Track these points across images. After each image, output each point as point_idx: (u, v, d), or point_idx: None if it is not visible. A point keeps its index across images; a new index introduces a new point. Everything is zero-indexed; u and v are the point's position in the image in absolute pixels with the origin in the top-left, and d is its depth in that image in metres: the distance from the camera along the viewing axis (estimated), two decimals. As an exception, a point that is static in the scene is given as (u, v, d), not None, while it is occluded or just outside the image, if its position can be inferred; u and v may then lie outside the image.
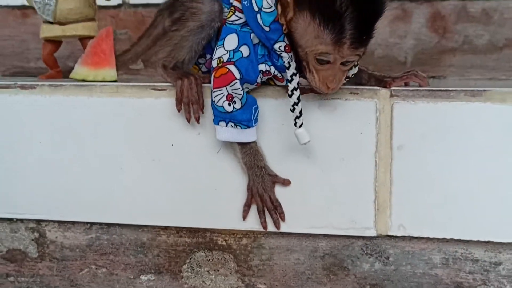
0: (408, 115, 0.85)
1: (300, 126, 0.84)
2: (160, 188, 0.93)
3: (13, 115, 0.95)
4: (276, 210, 0.89)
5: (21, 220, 0.99)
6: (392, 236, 0.89)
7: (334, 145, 0.87)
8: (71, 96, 0.93)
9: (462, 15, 1.37)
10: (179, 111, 0.88)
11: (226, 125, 0.86)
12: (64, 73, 1.18)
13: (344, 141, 0.87)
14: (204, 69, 0.99)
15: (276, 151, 0.89)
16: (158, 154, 0.92)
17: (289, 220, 0.90)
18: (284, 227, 0.90)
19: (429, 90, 0.85)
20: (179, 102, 0.88)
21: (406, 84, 0.91)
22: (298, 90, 0.84)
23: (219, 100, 0.85)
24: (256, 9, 0.84)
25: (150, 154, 0.92)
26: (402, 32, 1.40)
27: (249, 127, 0.86)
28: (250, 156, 0.88)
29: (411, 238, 0.89)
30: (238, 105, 0.84)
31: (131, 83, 0.93)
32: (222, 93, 0.84)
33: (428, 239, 0.88)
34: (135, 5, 1.48)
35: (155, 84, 0.92)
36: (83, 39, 1.14)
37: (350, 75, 0.88)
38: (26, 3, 1.15)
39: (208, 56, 0.96)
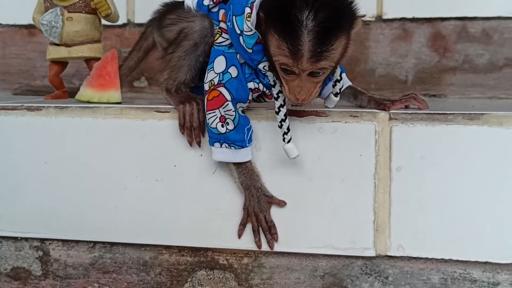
0: (407, 137, 0.87)
1: (289, 141, 0.86)
2: (163, 208, 0.94)
3: (19, 136, 0.97)
4: (270, 231, 0.90)
5: (26, 239, 1.01)
6: (391, 256, 0.90)
7: (334, 167, 0.89)
8: (76, 117, 0.95)
9: (462, 35, 1.39)
10: (182, 134, 0.91)
11: (221, 146, 0.87)
12: (70, 92, 1.20)
13: (343, 163, 0.89)
14: None
15: (276, 172, 0.90)
16: (161, 174, 0.94)
17: (289, 240, 0.91)
18: (285, 247, 0.92)
19: (427, 113, 0.86)
20: (181, 127, 0.91)
21: (405, 107, 0.92)
22: (285, 107, 0.86)
23: (212, 122, 0.87)
24: (238, 31, 0.85)
25: (153, 174, 0.94)
26: (403, 51, 1.42)
27: (243, 147, 0.87)
28: (246, 176, 0.89)
29: (410, 258, 0.90)
30: (231, 126, 0.86)
31: (135, 105, 0.95)
32: (215, 115, 0.86)
33: (426, 259, 0.89)
34: (140, 24, 1.50)
35: (159, 106, 0.94)
36: (89, 60, 1.16)
37: (338, 90, 0.90)
38: (33, 23, 1.18)
39: None
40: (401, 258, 0.90)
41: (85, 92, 1.03)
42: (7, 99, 1.19)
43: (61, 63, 1.18)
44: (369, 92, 0.96)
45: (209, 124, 0.87)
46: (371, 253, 0.89)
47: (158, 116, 0.93)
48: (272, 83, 0.87)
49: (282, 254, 0.93)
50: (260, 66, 0.86)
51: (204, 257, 0.96)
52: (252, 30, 0.83)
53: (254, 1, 0.83)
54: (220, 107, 0.86)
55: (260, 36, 0.83)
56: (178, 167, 0.93)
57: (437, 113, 0.86)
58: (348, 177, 0.89)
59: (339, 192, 0.89)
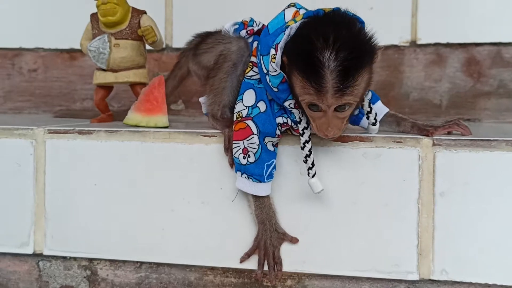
0: (450, 163, 0.88)
1: (313, 176, 0.88)
2: (208, 230, 0.97)
3: (70, 158, 1.01)
4: (275, 267, 0.92)
5: (74, 258, 1.04)
6: (435, 281, 0.91)
7: (378, 191, 0.91)
8: (126, 141, 0.99)
9: (497, 60, 1.40)
10: (227, 156, 0.94)
11: (241, 176, 0.91)
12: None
13: (387, 188, 0.90)
14: None
15: (321, 196, 0.92)
16: (207, 197, 0.96)
17: (333, 262, 0.93)
18: (328, 269, 0.93)
19: (470, 140, 0.88)
20: (226, 149, 0.94)
21: (448, 133, 0.94)
22: (310, 142, 0.88)
23: (236, 152, 0.90)
24: (265, 71, 0.88)
25: (199, 197, 0.96)
26: (437, 76, 1.43)
27: (260, 181, 0.90)
28: (262, 210, 0.92)
29: (454, 282, 0.90)
30: (251, 159, 0.89)
31: (183, 130, 0.98)
32: (239, 146, 0.90)
33: (470, 283, 0.90)
34: (178, 49, 1.53)
35: (206, 131, 0.97)
36: (134, 85, 1.20)
37: (374, 120, 0.92)
38: (74, 47, 1.21)
39: None
40: (445, 282, 0.91)
41: (133, 116, 1.07)
42: (49, 121, 1.24)
43: (107, 88, 1.22)
44: (411, 118, 0.97)
45: (234, 153, 0.90)
46: (414, 277, 0.91)
47: (205, 141, 0.96)
48: (298, 120, 0.89)
49: (325, 276, 0.95)
50: (286, 103, 0.88)
51: (248, 279, 0.98)
52: (277, 70, 0.84)
53: (279, 43, 0.84)
54: (245, 139, 0.89)
55: (285, 76, 0.85)
56: (224, 190, 0.95)
57: (481, 139, 0.88)
58: (392, 201, 0.90)
59: (383, 216, 0.91)
